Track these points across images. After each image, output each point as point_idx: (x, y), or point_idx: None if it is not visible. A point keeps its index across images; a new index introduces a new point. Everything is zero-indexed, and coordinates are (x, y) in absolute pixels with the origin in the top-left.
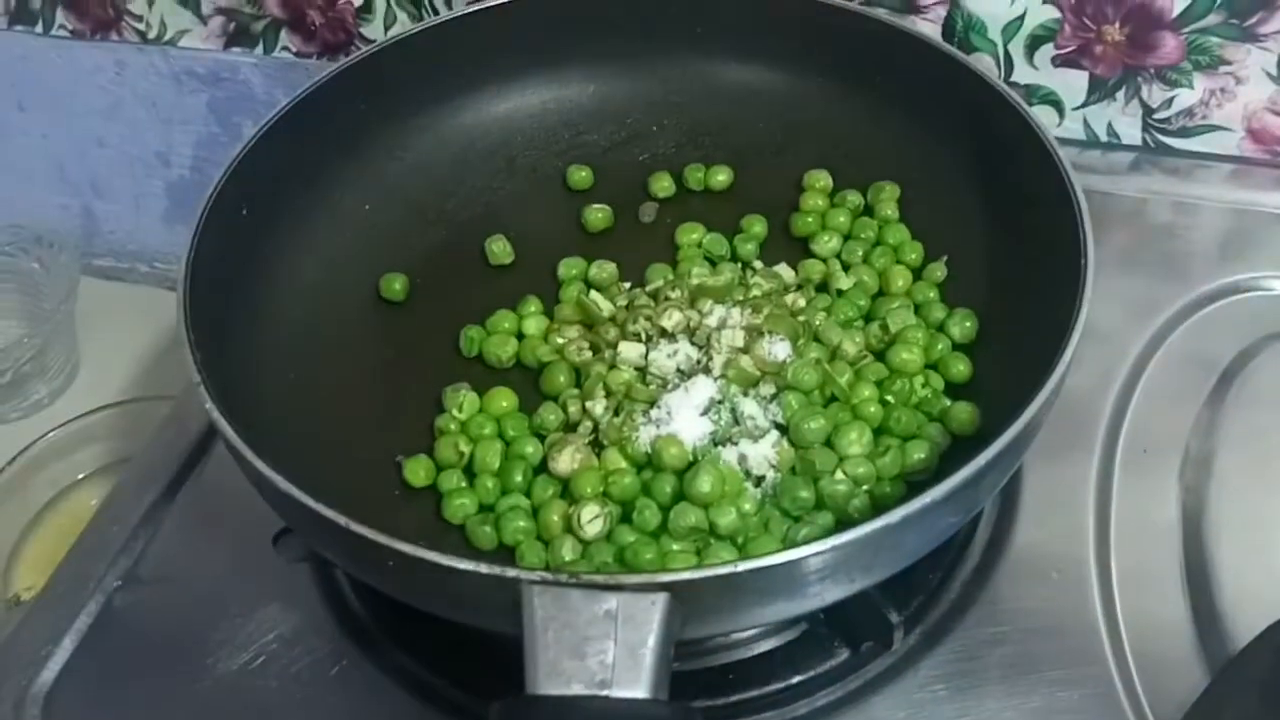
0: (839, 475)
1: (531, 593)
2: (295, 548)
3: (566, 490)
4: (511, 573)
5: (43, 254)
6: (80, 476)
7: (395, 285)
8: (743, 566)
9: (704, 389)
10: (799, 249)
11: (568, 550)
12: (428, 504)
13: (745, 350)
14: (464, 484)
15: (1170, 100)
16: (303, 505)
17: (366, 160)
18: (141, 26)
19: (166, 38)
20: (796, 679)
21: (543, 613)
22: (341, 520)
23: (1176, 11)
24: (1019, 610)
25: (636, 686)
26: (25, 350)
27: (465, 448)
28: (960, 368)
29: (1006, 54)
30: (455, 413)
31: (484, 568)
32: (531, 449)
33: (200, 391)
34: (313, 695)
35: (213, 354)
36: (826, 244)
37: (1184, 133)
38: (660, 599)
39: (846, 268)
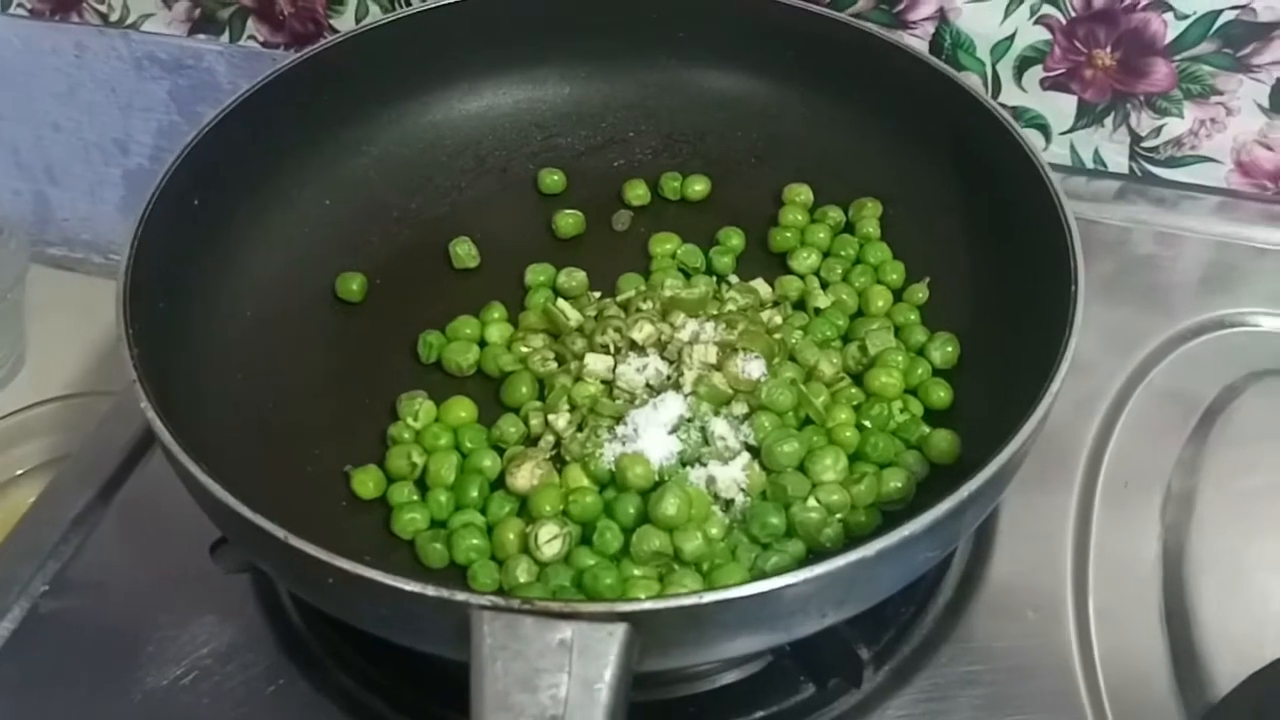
0: (811, 502)
1: (481, 618)
2: (233, 558)
3: (524, 508)
4: (460, 596)
5: None
6: (20, 472)
7: (352, 285)
8: (708, 598)
9: (673, 406)
10: (777, 264)
11: (523, 572)
12: (377, 518)
13: (718, 367)
14: (415, 497)
15: (1159, 129)
16: (239, 515)
17: (329, 154)
18: (103, 8)
19: (129, 21)
20: (759, 714)
21: (492, 640)
22: (279, 533)
23: (1169, 38)
24: (993, 649)
25: None
26: None
27: (418, 459)
28: (941, 394)
29: (994, 74)
30: (410, 421)
31: (430, 589)
32: (489, 462)
33: (136, 389)
34: (246, 714)
35: (153, 350)
36: (805, 260)
37: (1171, 162)
38: (619, 630)
39: (825, 286)
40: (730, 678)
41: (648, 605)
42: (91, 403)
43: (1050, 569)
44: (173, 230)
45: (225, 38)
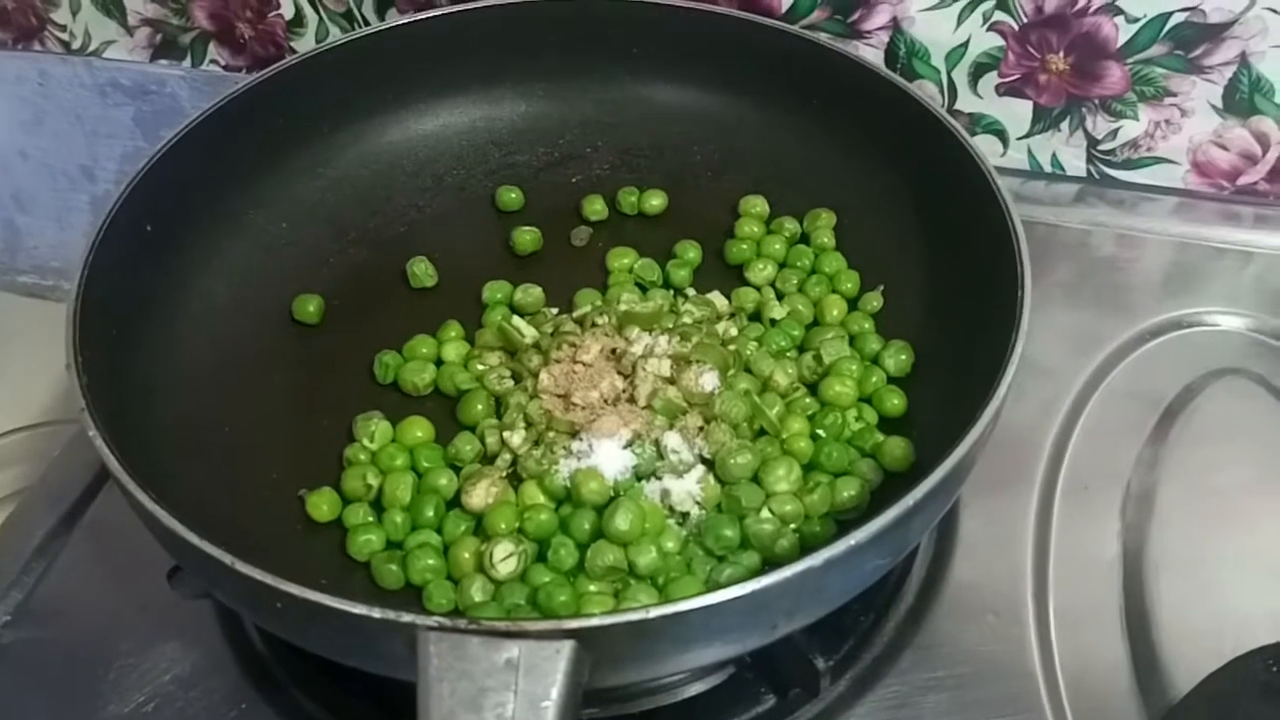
0: (765, 514)
1: (427, 639)
2: (191, 584)
3: (480, 527)
4: (406, 617)
5: None
6: None
7: (309, 307)
8: (655, 613)
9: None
10: (734, 276)
11: (478, 591)
12: (335, 540)
13: (672, 380)
14: (371, 519)
15: (1115, 131)
16: (186, 541)
17: (285, 176)
18: (65, 36)
19: (90, 49)
20: None
21: (438, 661)
22: (226, 559)
23: (1121, 41)
24: (954, 654)
25: None
26: None
27: (374, 480)
28: (894, 401)
29: (950, 81)
30: (366, 442)
31: (376, 611)
32: (445, 481)
33: (85, 417)
34: None
35: (105, 378)
36: (761, 272)
37: (1129, 165)
38: (565, 647)
39: (781, 296)
40: (693, 690)
41: (593, 622)
42: (61, 431)
43: (1011, 572)
44: (125, 256)
45: (187, 63)
